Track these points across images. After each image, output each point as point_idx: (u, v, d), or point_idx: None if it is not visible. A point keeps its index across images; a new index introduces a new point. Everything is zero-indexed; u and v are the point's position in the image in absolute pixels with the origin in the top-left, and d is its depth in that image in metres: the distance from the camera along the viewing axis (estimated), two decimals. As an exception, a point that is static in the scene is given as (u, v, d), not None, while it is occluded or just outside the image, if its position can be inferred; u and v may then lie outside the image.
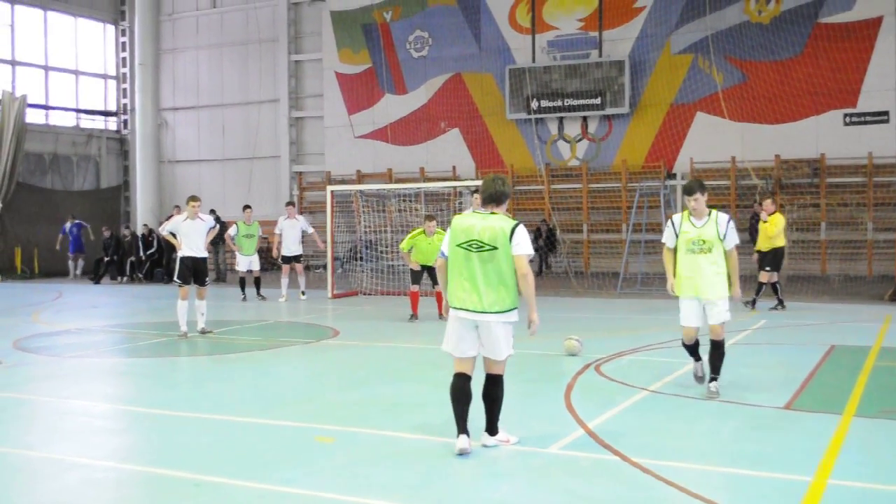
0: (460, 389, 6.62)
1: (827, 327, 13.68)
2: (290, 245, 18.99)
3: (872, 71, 23.28)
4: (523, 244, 6.54)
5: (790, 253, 20.82)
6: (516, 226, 6.58)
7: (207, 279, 13.77)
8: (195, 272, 13.43)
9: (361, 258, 22.50)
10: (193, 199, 13.62)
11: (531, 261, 6.65)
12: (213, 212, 26.31)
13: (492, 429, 6.77)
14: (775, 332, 13.27)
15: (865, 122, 23.43)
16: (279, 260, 19.58)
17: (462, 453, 6.43)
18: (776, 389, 8.69)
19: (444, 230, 15.05)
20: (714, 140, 24.68)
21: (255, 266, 19.20)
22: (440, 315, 14.97)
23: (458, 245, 6.64)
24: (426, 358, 11.38)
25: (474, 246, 6.57)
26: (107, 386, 10.01)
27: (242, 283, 19.16)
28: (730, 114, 24.14)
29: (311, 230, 19.47)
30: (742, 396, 8.41)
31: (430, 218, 15.02)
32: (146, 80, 32.33)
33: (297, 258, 19.19)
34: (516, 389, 9.69)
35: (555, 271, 25.31)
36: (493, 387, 6.77)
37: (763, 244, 16.03)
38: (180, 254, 13.47)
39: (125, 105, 33.80)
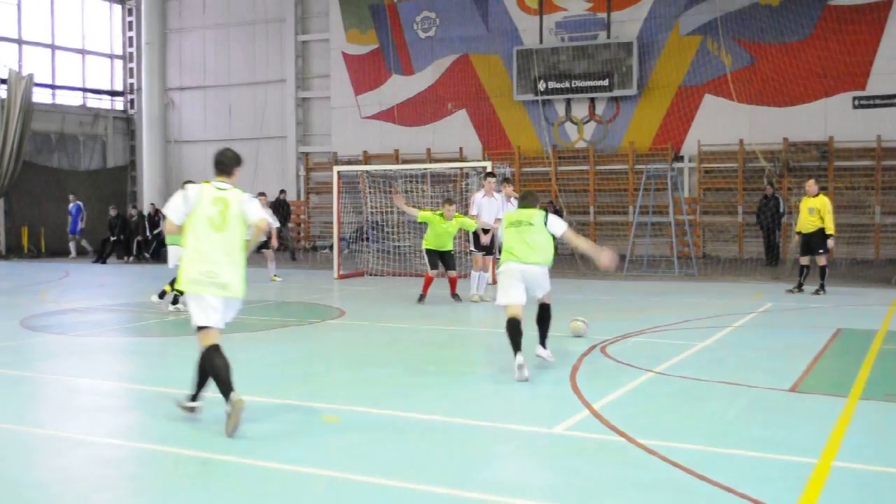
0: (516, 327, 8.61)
1: (833, 310, 13.66)
2: None
3: (882, 53, 23.14)
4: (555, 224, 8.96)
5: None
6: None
7: None
8: None
9: (368, 239, 22.50)
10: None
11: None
12: (283, 191, 26.68)
13: (543, 343, 9.14)
14: (781, 315, 13.26)
15: (875, 105, 23.31)
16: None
17: (521, 366, 8.38)
18: (782, 372, 8.69)
19: (462, 214, 15.34)
20: (722, 122, 24.58)
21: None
22: (452, 294, 15.12)
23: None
24: (432, 338, 11.40)
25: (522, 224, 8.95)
26: (114, 364, 10.05)
27: None
28: (738, 96, 24.02)
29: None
30: (748, 378, 8.42)
31: (449, 202, 14.93)
32: (153, 60, 32.28)
33: (265, 245, 18.18)
34: (522, 370, 9.71)
35: (561, 253, 25.26)
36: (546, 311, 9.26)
37: (807, 226, 15.71)
38: None
39: (132, 85, 33.76)
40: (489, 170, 17.10)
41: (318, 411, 7.38)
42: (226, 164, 7.07)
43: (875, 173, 23.21)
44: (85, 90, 32.53)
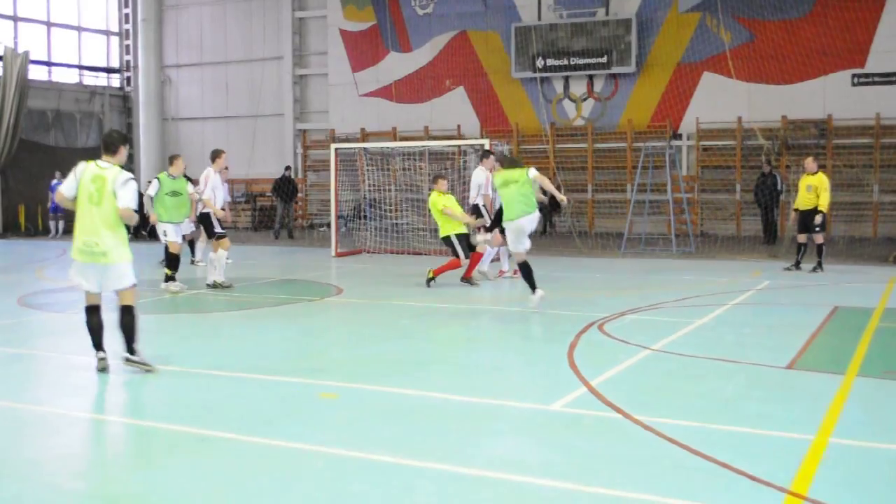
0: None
1: (831, 288, 13.67)
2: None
3: (882, 31, 23.04)
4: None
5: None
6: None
7: None
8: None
9: (365, 216, 22.48)
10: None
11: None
12: (289, 168, 26.71)
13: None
14: (778, 292, 13.28)
15: (874, 83, 23.23)
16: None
17: (543, 297, 11.21)
18: (779, 349, 8.71)
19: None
20: (721, 100, 24.50)
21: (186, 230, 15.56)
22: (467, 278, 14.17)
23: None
24: (430, 316, 11.42)
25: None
26: (111, 342, 10.04)
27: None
28: (737, 73, 23.93)
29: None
30: (744, 356, 8.44)
31: (439, 178, 14.42)
32: (149, 37, 32.09)
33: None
34: (519, 347, 9.75)
35: (559, 231, 25.29)
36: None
37: (804, 203, 15.64)
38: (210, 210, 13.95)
39: (128, 62, 33.57)
40: (506, 154, 16.72)
41: (317, 388, 7.39)
42: (108, 143, 7.85)
43: (873, 151, 23.17)
44: (81, 67, 32.35)
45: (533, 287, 11.27)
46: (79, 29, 32.09)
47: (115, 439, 6.18)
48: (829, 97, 23.60)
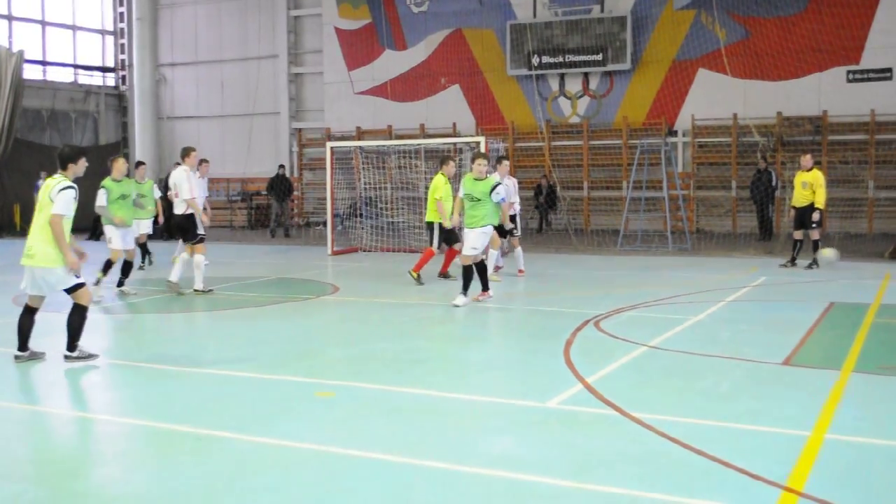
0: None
1: (826, 284, 13.69)
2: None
3: (876, 28, 23.07)
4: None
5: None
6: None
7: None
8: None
9: (361, 215, 22.47)
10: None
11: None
12: (282, 166, 26.64)
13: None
14: (774, 289, 13.30)
15: (869, 79, 23.27)
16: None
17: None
18: (775, 346, 8.72)
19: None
20: (716, 97, 24.52)
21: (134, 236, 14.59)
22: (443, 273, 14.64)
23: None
24: (426, 314, 11.41)
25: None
26: (107, 341, 10.04)
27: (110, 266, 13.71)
28: (732, 70, 23.92)
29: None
30: (741, 352, 8.45)
31: (446, 161, 14.32)
32: (144, 36, 32.04)
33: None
34: (515, 344, 9.75)
35: (555, 228, 25.29)
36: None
37: (800, 200, 15.70)
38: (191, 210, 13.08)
39: (123, 61, 33.53)
40: (501, 153, 16.72)
41: (313, 387, 7.39)
42: (59, 160, 8.20)
43: (868, 147, 23.21)
44: (76, 66, 32.31)
45: (465, 290, 11.72)
46: (73, 28, 32.04)
47: (113, 438, 6.18)
48: (824, 94, 23.62)
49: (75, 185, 8.07)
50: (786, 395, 6.99)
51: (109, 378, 8.09)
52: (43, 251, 7.99)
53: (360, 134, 28.66)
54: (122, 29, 33.39)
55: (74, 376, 8.01)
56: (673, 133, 25.22)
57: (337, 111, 29.63)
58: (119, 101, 33.66)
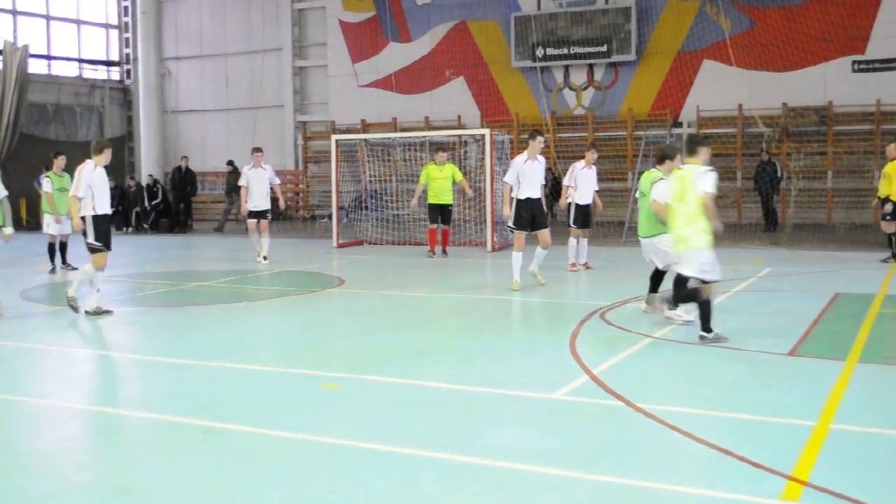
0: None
1: (832, 275, 13.68)
2: (256, 199, 16.42)
3: (882, 17, 22.97)
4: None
5: (796, 201, 20.76)
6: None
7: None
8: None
9: (366, 207, 22.47)
10: (257, 149, 16.51)
11: None
12: (230, 163, 26.28)
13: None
14: (780, 279, 13.28)
15: (874, 70, 23.18)
16: (244, 216, 16.94)
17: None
18: (780, 336, 8.71)
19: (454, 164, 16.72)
20: (721, 87, 24.45)
21: (68, 230, 15.11)
22: (444, 249, 17.13)
23: None
24: (431, 306, 11.43)
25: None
26: (114, 335, 10.07)
27: (52, 251, 15.78)
28: (737, 61, 23.87)
29: (277, 181, 17.06)
30: (746, 343, 8.45)
31: (441, 150, 16.15)
32: (148, 30, 32.00)
33: (263, 213, 16.60)
34: (520, 336, 9.76)
35: (560, 220, 25.22)
36: None
37: (886, 190, 15.23)
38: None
39: (128, 55, 33.54)
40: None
41: (319, 379, 7.41)
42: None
43: (874, 138, 23.12)
44: (81, 61, 32.31)
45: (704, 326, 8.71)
46: (78, 22, 32.04)
47: (119, 431, 6.20)
48: (829, 84, 23.54)
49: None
50: (791, 385, 6.99)
51: (116, 371, 8.11)
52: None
53: (365, 126, 28.65)
54: (126, 23, 33.39)
55: (79, 369, 8.04)
56: (678, 124, 25.16)
57: (341, 104, 29.61)
58: (124, 95, 33.68)
